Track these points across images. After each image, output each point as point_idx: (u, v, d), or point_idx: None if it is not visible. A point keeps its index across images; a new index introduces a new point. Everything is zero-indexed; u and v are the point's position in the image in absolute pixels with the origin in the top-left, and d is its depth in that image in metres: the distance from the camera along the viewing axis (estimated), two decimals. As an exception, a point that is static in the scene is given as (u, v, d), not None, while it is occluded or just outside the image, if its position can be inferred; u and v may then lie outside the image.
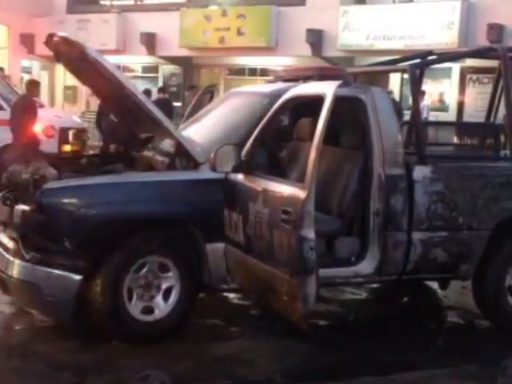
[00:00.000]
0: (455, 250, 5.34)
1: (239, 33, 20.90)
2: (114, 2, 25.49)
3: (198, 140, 5.46)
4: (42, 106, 13.58)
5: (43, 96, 21.43)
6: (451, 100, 19.51)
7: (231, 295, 6.11)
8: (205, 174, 5.02)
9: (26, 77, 25.40)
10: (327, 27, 19.37)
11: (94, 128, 13.44)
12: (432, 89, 18.55)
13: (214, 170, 4.90)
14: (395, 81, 18.98)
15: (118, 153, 6.72)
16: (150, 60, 24.23)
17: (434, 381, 4.72)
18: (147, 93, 13.90)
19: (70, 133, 13.15)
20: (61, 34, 5.34)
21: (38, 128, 10.94)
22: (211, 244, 5.03)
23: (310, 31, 19.47)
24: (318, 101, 4.52)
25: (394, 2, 19.93)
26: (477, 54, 7.49)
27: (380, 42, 18.51)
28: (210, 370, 4.64)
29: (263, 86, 6.80)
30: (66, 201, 4.80)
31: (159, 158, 5.60)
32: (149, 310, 4.94)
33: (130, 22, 23.55)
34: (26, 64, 26.03)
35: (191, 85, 18.98)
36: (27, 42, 24.47)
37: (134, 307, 4.87)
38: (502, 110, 6.51)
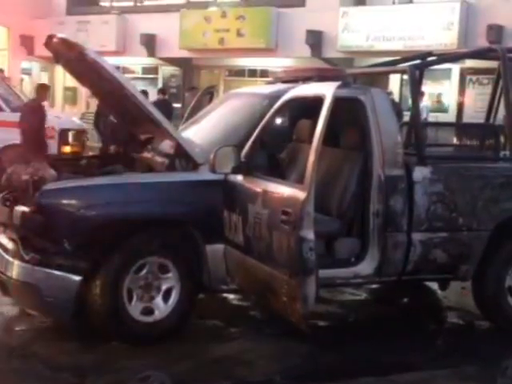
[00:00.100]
0: (455, 250, 5.34)
1: (239, 34, 20.91)
2: (114, 4, 25.44)
3: (198, 141, 5.47)
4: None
5: (43, 97, 21.40)
6: (451, 101, 19.52)
7: (231, 296, 6.12)
8: (204, 175, 5.02)
9: (26, 78, 25.51)
10: (327, 28, 19.37)
11: (92, 129, 13.43)
12: (432, 90, 18.56)
13: (213, 171, 4.90)
14: (395, 82, 18.99)
15: (118, 154, 6.72)
16: (149, 61, 24.21)
17: (434, 381, 4.72)
18: (144, 94, 13.87)
19: (70, 134, 13.12)
20: (60, 35, 5.35)
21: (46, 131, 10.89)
22: (211, 245, 5.03)
23: (310, 32, 19.48)
24: (317, 102, 4.52)
25: (393, 2, 19.95)
26: (476, 54, 7.49)
27: (380, 43, 18.52)
28: (209, 370, 4.64)
29: (263, 87, 6.79)
30: (65, 202, 4.80)
31: (159, 159, 5.59)
32: (149, 311, 4.94)
33: (130, 23, 23.57)
34: (26, 65, 26.01)
35: (191, 86, 18.96)
36: (27, 43, 24.47)
37: (134, 308, 4.87)
38: (501, 111, 6.51)
